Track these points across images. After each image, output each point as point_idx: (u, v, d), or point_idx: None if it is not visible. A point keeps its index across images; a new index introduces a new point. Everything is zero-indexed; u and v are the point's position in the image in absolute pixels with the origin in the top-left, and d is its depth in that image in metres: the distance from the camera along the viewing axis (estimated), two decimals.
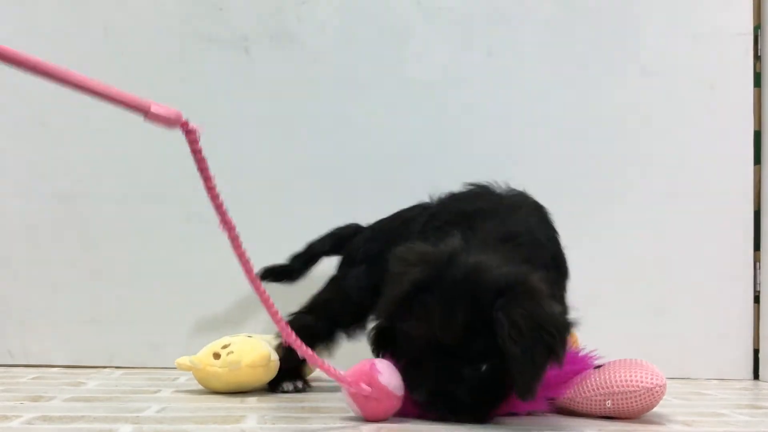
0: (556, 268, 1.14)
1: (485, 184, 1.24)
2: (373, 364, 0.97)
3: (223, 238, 1.58)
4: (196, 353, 1.25)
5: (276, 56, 1.66)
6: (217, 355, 1.24)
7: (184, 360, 1.25)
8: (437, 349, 0.95)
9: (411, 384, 0.98)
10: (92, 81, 0.69)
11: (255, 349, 1.24)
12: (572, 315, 1.03)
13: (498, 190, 1.24)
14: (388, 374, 0.97)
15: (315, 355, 0.91)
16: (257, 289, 0.84)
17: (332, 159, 1.66)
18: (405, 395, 0.99)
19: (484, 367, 0.95)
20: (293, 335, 0.88)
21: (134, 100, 0.71)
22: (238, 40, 1.65)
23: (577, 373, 1.08)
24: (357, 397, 0.96)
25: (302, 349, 0.89)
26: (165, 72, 1.64)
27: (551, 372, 0.96)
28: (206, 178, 0.81)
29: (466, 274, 0.95)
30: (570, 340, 1.38)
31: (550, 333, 0.92)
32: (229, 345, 1.26)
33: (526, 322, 0.91)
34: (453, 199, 1.24)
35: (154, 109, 0.73)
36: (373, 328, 1.14)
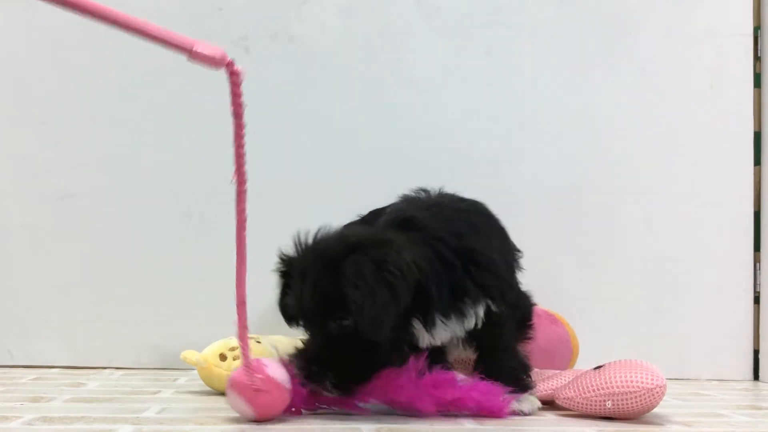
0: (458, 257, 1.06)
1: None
2: (258, 360, 0.97)
3: (224, 237, 1.59)
4: (201, 351, 1.26)
5: (276, 56, 1.66)
6: (223, 357, 1.24)
7: (190, 354, 1.25)
8: (306, 320, 1.02)
9: (292, 363, 1.00)
10: (137, 20, 0.68)
11: (261, 356, 1.23)
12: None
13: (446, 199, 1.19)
14: (274, 367, 0.98)
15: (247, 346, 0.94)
16: (240, 254, 0.91)
17: (331, 158, 1.66)
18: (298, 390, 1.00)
19: (346, 322, 0.97)
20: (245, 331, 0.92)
21: (178, 40, 0.71)
22: (238, 40, 1.65)
23: (454, 398, 1.02)
24: (246, 392, 0.94)
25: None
26: (165, 70, 1.63)
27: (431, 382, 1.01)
28: (239, 125, 0.82)
29: (320, 242, 1.02)
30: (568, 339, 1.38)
31: (392, 273, 0.93)
32: (237, 348, 1.25)
33: (368, 267, 0.94)
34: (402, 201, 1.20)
35: (198, 48, 0.73)
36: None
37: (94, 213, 1.61)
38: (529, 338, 1.20)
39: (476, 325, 1.05)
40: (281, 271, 1.08)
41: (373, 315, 0.92)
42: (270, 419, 0.96)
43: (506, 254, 1.16)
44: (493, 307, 1.06)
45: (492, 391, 1.03)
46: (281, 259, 1.08)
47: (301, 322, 1.03)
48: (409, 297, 0.96)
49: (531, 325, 1.22)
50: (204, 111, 1.63)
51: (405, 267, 0.95)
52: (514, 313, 1.14)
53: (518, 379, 1.11)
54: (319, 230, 1.04)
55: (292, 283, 1.03)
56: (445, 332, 1.05)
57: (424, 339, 1.04)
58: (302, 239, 1.04)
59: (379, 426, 0.94)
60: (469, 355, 1.16)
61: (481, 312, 1.05)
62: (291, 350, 1.02)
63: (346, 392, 0.99)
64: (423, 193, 1.18)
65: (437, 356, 1.09)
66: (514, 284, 1.15)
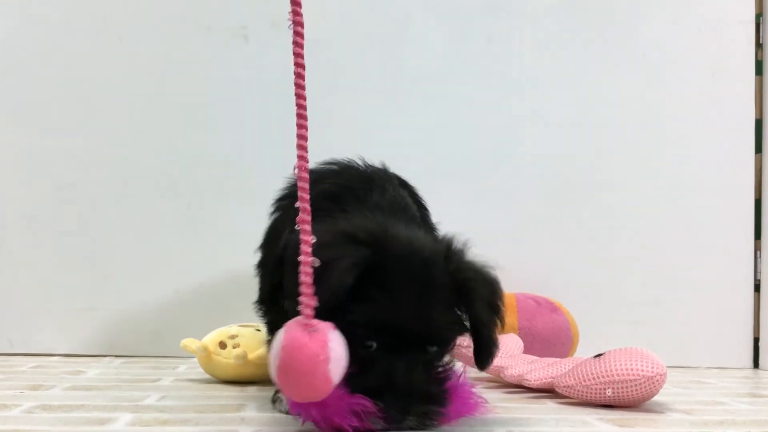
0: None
1: (345, 160, 1.15)
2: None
3: (223, 227, 1.60)
4: (200, 339, 1.26)
5: (275, 44, 1.65)
6: (223, 345, 1.24)
7: (190, 342, 1.25)
8: (397, 338, 0.80)
9: (367, 390, 0.78)
10: None
11: (262, 344, 1.23)
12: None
13: (360, 166, 1.14)
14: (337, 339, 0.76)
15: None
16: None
17: (331, 147, 1.65)
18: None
19: (434, 349, 0.84)
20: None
21: None
22: (237, 28, 1.64)
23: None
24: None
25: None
26: (164, 60, 1.63)
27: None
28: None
29: (418, 251, 0.84)
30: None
31: (501, 298, 0.89)
32: (237, 336, 1.26)
33: (489, 294, 0.87)
34: (329, 174, 1.12)
35: None
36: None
37: (93, 202, 1.61)
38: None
39: None
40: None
41: (493, 349, 0.87)
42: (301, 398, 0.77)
43: None
44: None
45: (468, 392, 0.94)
46: (344, 241, 0.84)
47: (388, 341, 0.80)
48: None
49: None
50: (204, 102, 1.62)
51: (502, 296, 0.90)
52: None
53: None
54: (384, 225, 0.88)
55: (385, 285, 0.80)
56: None
57: None
58: (375, 232, 0.85)
59: None
60: None
61: None
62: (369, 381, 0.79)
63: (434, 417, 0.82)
64: (335, 166, 1.12)
65: None
66: None
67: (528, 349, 1.43)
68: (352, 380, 0.78)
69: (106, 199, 1.61)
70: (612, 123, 1.71)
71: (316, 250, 0.77)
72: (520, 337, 1.45)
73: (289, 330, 0.74)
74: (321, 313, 0.76)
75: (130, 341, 1.59)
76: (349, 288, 0.78)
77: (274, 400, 0.97)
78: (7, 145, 1.60)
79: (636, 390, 1.03)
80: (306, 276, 0.75)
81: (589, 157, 1.70)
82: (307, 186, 0.82)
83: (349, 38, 1.67)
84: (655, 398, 1.07)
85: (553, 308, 1.54)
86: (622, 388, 1.03)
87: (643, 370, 1.03)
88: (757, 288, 1.71)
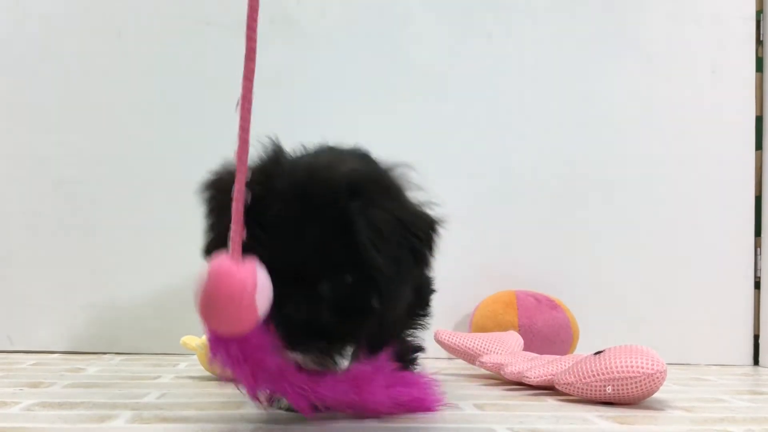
0: None
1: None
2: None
3: None
4: (200, 336, 1.26)
5: (275, 40, 1.65)
6: None
7: (190, 340, 1.25)
8: (287, 273, 0.77)
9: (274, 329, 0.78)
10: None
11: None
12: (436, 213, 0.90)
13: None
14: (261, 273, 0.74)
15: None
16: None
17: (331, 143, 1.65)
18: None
19: (344, 281, 0.81)
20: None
21: None
22: (236, 24, 1.63)
23: (414, 399, 0.91)
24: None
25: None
26: (163, 55, 1.63)
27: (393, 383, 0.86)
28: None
29: (305, 176, 0.82)
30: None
31: (415, 235, 0.82)
32: None
33: (387, 225, 0.80)
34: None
35: None
36: None
37: (93, 199, 1.61)
38: (424, 327, 1.07)
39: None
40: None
41: (400, 287, 0.81)
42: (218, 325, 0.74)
43: None
44: None
45: (427, 384, 0.94)
46: (222, 181, 0.86)
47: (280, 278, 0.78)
48: (432, 255, 0.85)
49: (428, 312, 1.08)
50: (203, 94, 1.62)
51: (427, 226, 0.85)
52: (412, 298, 0.98)
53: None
54: (290, 153, 0.87)
55: (260, 220, 0.78)
56: None
57: None
58: (275, 162, 0.84)
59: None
60: None
61: None
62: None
63: (337, 348, 0.84)
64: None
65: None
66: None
67: (528, 347, 1.44)
68: None
69: (106, 195, 1.61)
70: (612, 120, 1.71)
71: (207, 195, 0.86)
72: (520, 334, 1.45)
73: (216, 259, 0.72)
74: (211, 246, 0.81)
75: (130, 338, 1.59)
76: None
77: (272, 398, 0.96)
78: (5, 141, 1.60)
79: (636, 387, 1.03)
80: (237, 207, 0.74)
81: (588, 154, 1.70)
82: (249, 117, 0.78)
83: (349, 35, 1.67)
84: (655, 395, 1.07)
85: (553, 305, 1.54)
86: (622, 385, 1.03)
87: (643, 368, 1.03)
88: (757, 285, 1.71)
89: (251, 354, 0.75)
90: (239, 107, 0.78)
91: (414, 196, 0.89)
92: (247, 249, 0.75)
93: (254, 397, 0.81)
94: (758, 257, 1.71)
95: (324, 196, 0.80)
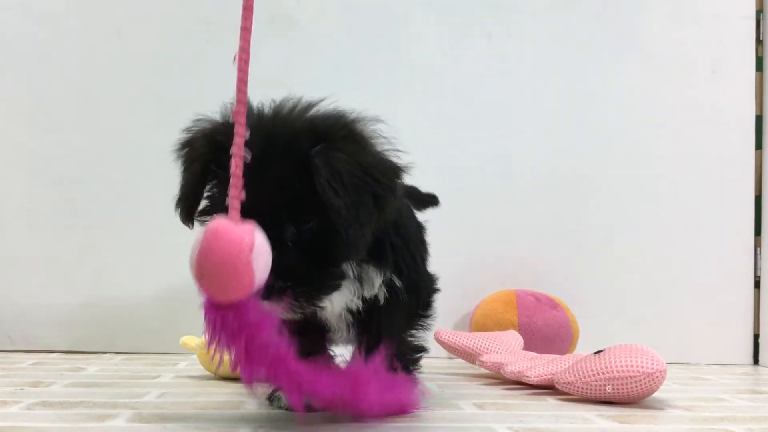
0: None
1: None
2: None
3: None
4: (199, 337, 1.26)
5: (275, 40, 1.65)
6: None
7: (189, 340, 1.25)
8: (254, 219, 0.76)
9: None
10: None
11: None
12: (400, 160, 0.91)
13: None
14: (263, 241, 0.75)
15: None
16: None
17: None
18: None
19: (309, 226, 0.81)
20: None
21: None
22: (236, 24, 1.63)
23: (398, 402, 0.90)
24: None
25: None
26: (163, 54, 1.63)
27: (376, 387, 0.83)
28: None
29: (269, 123, 0.84)
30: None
31: (377, 180, 0.82)
32: None
33: (348, 168, 0.80)
34: None
35: None
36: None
37: (93, 198, 1.61)
38: (426, 327, 1.06)
39: (370, 300, 0.92)
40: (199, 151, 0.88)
41: (360, 231, 0.80)
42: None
43: (418, 232, 1.06)
44: (397, 282, 0.94)
45: (407, 386, 0.92)
46: (201, 132, 0.90)
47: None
48: (393, 201, 0.85)
49: (430, 312, 1.07)
50: (202, 94, 1.62)
51: (388, 170, 0.85)
52: (414, 297, 0.99)
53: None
54: (264, 105, 0.89)
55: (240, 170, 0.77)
56: (340, 296, 0.89)
57: None
58: (249, 113, 0.83)
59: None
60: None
61: (378, 281, 0.92)
62: None
63: (309, 305, 0.82)
64: None
65: (316, 341, 0.98)
66: (418, 260, 1.01)
67: (528, 346, 1.44)
68: None
69: (105, 194, 1.61)
70: (612, 119, 1.71)
71: (178, 151, 0.94)
72: (520, 333, 1.45)
73: (214, 220, 0.73)
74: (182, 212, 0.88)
75: (130, 338, 1.59)
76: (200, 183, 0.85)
77: (272, 398, 0.96)
78: (5, 141, 1.60)
79: (636, 386, 1.03)
80: (236, 170, 0.75)
81: (588, 154, 1.70)
82: (246, 78, 0.79)
83: (349, 35, 1.67)
84: (655, 395, 1.07)
85: (553, 305, 1.54)
86: (622, 384, 1.03)
87: (643, 367, 1.03)
88: (757, 285, 1.71)
89: (247, 327, 0.73)
90: (236, 60, 0.79)
91: (380, 144, 0.90)
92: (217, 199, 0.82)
93: (248, 380, 0.76)
94: (758, 257, 1.71)
95: (287, 142, 0.81)
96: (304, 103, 0.90)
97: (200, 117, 0.92)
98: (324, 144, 0.81)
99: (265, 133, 0.81)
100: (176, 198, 0.93)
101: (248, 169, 0.76)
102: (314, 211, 0.80)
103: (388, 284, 0.93)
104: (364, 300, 0.92)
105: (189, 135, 0.93)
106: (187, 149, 0.93)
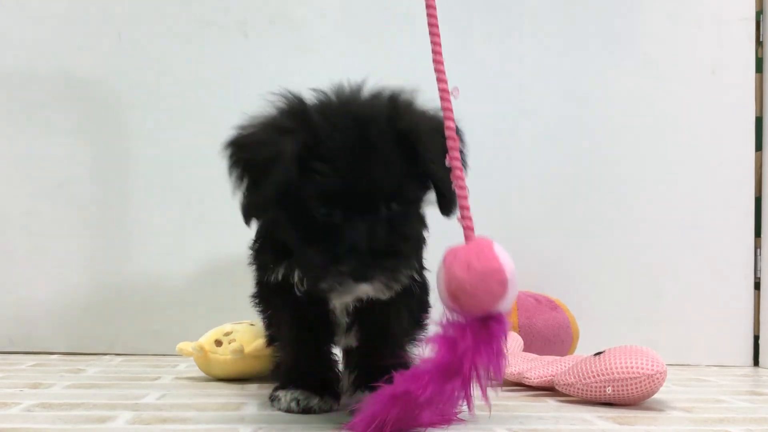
0: None
1: None
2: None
3: (223, 226, 1.58)
4: (197, 340, 1.26)
5: (275, 40, 1.65)
6: (219, 342, 1.24)
7: (185, 345, 1.25)
8: (348, 203, 0.81)
9: (330, 256, 0.80)
10: None
11: (257, 337, 1.23)
12: None
13: None
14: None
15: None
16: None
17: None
18: None
19: (397, 207, 0.84)
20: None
21: None
22: (236, 24, 1.64)
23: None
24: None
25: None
26: (163, 55, 1.62)
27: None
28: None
29: (353, 113, 0.86)
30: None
31: (463, 143, 0.90)
32: (232, 332, 1.26)
33: (440, 139, 0.86)
34: None
35: None
36: (257, 238, 0.99)
37: (93, 200, 1.60)
38: (422, 337, 1.05)
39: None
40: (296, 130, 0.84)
41: (451, 196, 0.86)
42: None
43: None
44: (417, 277, 0.96)
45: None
46: (291, 108, 0.89)
47: (338, 206, 0.81)
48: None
49: (426, 319, 1.06)
50: (202, 94, 1.62)
51: (461, 131, 0.90)
52: (410, 301, 0.98)
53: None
54: (341, 88, 0.92)
55: (328, 152, 0.81)
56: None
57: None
58: (327, 98, 0.89)
59: None
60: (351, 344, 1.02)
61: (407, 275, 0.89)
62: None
63: (400, 281, 0.83)
64: None
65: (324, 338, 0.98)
66: (420, 264, 1.00)
67: (528, 347, 1.44)
68: (318, 249, 0.81)
69: (106, 196, 1.61)
70: (612, 120, 1.71)
71: (255, 149, 0.84)
72: (520, 335, 1.45)
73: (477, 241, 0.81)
74: (272, 199, 0.82)
75: (129, 339, 1.59)
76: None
77: (272, 399, 0.96)
78: (5, 141, 1.60)
79: (636, 388, 1.03)
80: (459, 179, 0.82)
81: (588, 155, 1.70)
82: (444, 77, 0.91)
83: (349, 35, 1.67)
84: (655, 396, 1.07)
85: (553, 306, 1.54)
86: (622, 385, 1.03)
87: (643, 368, 1.03)
88: (757, 286, 1.71)
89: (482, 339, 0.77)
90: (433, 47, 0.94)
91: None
92: (312, 183, 0.80)
93: (467, 395, 0.79)
94: (758, 257, 1.71)
95: (378, 124, 0.84)
96: (356, 85, 0.94)
97: (254, 115, 0.90)
98: (417, 121, 0.87)
99: (353, 117, 0.84)
100: (249, 203, 0.86)
101: (343, 153, 0.80)
102: (405, 189, 0.85)
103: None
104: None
105: (246, 134, 0.90)
106: (245, 154, 0.87)
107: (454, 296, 0.74)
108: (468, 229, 0.79)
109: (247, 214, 0.87)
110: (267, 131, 0.86)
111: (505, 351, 0.79)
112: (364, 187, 0.81)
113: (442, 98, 0.87)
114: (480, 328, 0.77)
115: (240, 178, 0.87)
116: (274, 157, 0.81)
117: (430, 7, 0.90)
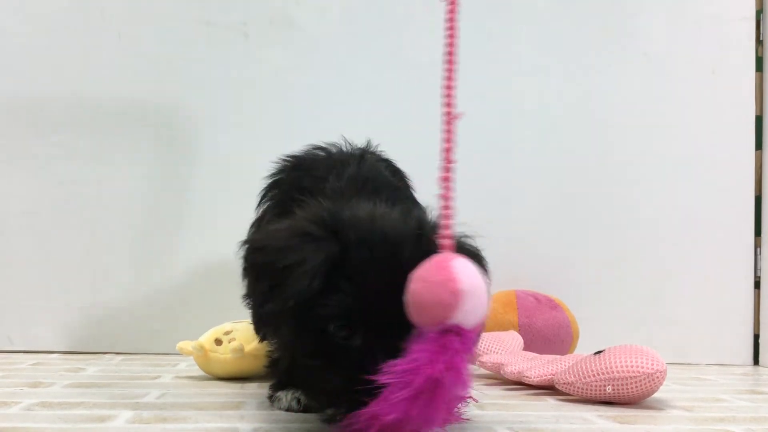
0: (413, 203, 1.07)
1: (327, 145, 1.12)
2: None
3: (223, 227, 1.58)
4: (197, 338, 1.26)
5: (275, 41, 1.65)
6: (219, 341, 1.24)
7: (185, 344, 1.25)
8: (371, 326, 0.75)
9: (344, 383, 0.73)
10: None
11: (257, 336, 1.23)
12: None
13: (332, 148, 1.11)
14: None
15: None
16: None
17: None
18: None
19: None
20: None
21: None
22: (237, 25, 1.64)
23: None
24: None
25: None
26: (163, 55, 1.62)
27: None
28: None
29: (383, 232, 0.79)
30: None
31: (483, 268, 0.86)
32: (232, 332, 1.26)
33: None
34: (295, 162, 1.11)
35: None
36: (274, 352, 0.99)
37: (93, 199, 1.60)
38: None
39: None
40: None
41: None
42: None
43: None
44: None
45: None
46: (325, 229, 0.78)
47: (358, 330, 0.76)
48: None
49: None
50: (203, 95, 1.62)
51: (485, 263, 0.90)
52: None
53: None
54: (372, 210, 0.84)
55: (357, 271, 0.76)
56: None
57: None
58: (343, 214, 0.80)
59: None
60: None
61: None
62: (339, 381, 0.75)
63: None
64: (322, 152, 1.08)
65: None
66: None
67: (528, 346, 1.44)
68: (332, 373, 0.75)
69: (105, 195, 1.61)
70: (612, 120, 1.71)
71: (277, 254, 0.76)
72: (520, 334, 1.45)
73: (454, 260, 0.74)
74: (289, 310, 0.74)
75: (130, 338, 1.59)
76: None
77: (273, 399, 0.96)
78: (5, 140, 1.60)
79: (636, 387, 1.03)
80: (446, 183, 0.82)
81: (588, 155, 1.70)
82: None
83: (349, 35, 1.67)
84: (655, 395, 1.07)
85: (553, 305, 1.54)
86: (622, 385, 1.03)
87: (643, 367, 1.03)
88: (757, 285, 1.71)
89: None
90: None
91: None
92: (335, 301, 0.74)
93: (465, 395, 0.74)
94: (758, 257, 1.71)
95: (408, 245, 0.79)
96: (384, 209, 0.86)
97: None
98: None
99: (383, 237, 0.78)
100: (271, 309, 0.78)
101: (372, 272, 0.75)
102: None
103: None
104: None
105: (261, 240, 0.84)
106: (291, 252, 0.77)
107: (410, 309, 0.72)
108: (443, 247, 0.75)
109: (262, 325, 0.83)
110: (292, 236, 0.79)
111: (464, 364, 0.72)
112: (389, 312, 0.73)
113: (446, 121, 0.87)
114: (436, 341, 0.73)
115: (255, 282, 0.81)
116: (298, 263, 0.75)
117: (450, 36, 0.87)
